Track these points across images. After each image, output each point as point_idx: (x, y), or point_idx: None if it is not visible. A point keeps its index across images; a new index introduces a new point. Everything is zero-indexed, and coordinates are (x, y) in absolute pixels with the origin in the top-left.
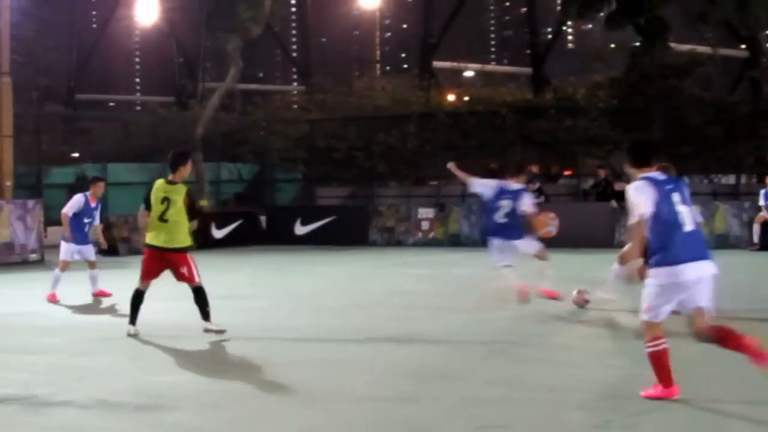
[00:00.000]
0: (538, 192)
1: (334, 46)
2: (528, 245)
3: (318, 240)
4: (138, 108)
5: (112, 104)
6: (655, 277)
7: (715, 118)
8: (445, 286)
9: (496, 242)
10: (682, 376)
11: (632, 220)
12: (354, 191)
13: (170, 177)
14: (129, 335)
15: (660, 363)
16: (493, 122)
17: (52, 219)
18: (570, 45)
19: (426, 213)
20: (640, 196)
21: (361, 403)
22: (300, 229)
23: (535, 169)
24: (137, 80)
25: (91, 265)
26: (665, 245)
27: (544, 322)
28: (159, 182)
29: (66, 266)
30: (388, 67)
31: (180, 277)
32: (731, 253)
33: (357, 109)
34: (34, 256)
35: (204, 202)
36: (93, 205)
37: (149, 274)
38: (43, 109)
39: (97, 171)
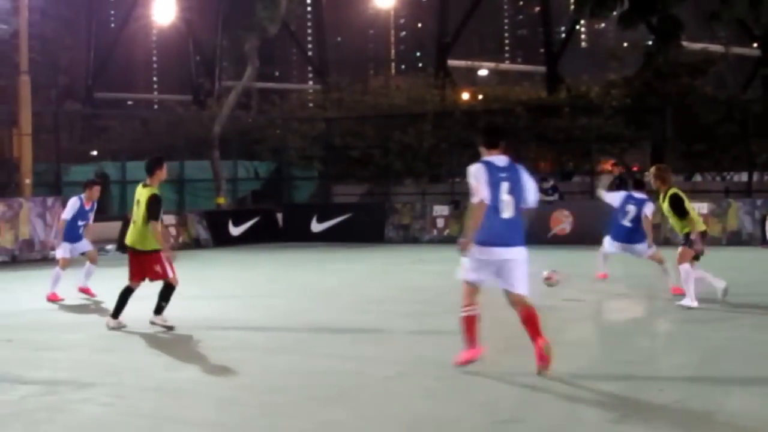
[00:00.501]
0: (553, 190)
1: (350, 45)
2: (645, 248)
3: (334, 237)
4: (156, 106)
5: (130, 103)
6: (473, 251)
7: (727, 116)
8: (459, 283)
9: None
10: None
11: (473, 200)
12: (370, 189)
13: (147, 180)
14: (110, 328)
15: (468, 326)
16: (507, 120)
17: None
18: (584, 44)
19: (441, 210)
20: (479, 180)
21: (379, 399)
22: (316, 227)
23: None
24: (155, 79)
25: (91, 258)
26: (483, 226)
27: (560, 318)
28: (138, 186)
29: (66, 264)
30: (403, 66)
31: (153, 275)
32: (744, 250)
33: (373, 107)
34: (53, 253)
35: (221, 200)
36: (87, 207)
37: (136, 275)
38: (63, 108)
39: (115, 169)
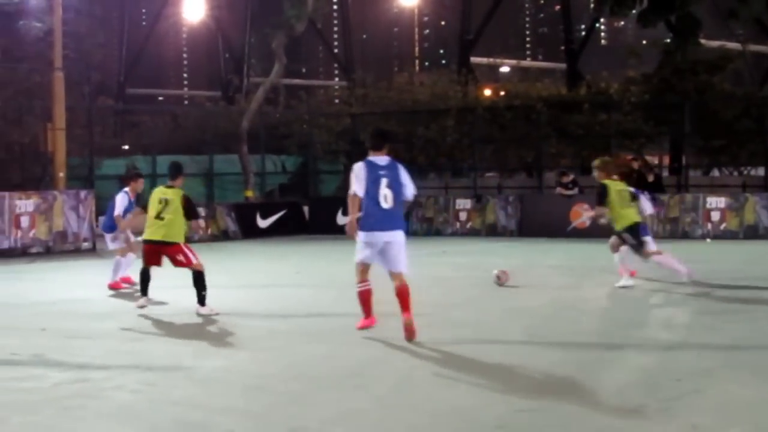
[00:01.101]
0: (573, 184)
1: (375, 42)
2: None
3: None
4: (186, 102)
5: (161, 98)
6: (360, 235)
7: (745, 112)
8: (482, 275)
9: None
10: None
11: (350, 192)
12: None
13: (170, 182)
14: (138, 306)
15: (364, 299)
16: (528, 116)
17: (103, 209)
18: (603, 41)
19: (464, 204)
20: (357, 177)
21: (403, 387)
22: (342, 219)
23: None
24: (185, 75)
25: (133, 249)
26: (367, 215)
27: (578, 309)
28: (160, 187)
29: (125, 252)
30: (427, 63)
31: (178, 264)
32: (761, 243)
33: (397, 103)
34: (86, 245)
35: (249, 193)
36: (133, 200)
37: (152, 261)
38: (95, 103)
39: (146, 163)
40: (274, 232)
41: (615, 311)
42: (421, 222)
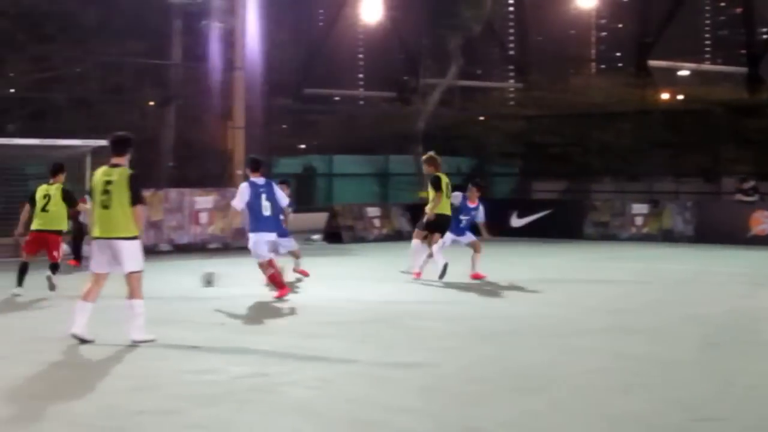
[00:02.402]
0: (753, 190)
1: (551, 44)
2: None
3: (533, 233)
4: (361, 102)
5: (337, 98)
6: (251, 237)
7: None
8: (659, 281)
9: None
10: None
11: (232, 204)
12: (569, 186)
13: (51, 180)
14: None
15: (274, 280)
16: (707, 121)
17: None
18: None
19: (640, 208)
20: (240, 194)
21: (578, 392)
22: (516, 222)
23: None
24: (361, 76)
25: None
26: (253, 221)
27: (757, 318)
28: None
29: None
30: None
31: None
32: None
33: (572, 106)
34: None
35: (423, 194)
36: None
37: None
38: (273, 103)
39: (322, 162)
40: None
41: None
42: (596, 226)
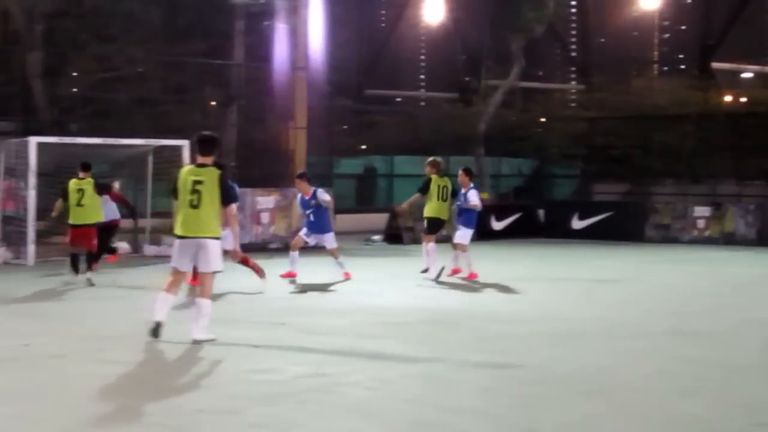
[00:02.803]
0: None
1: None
2: None
3: (594, 234)
4: (422, 103)
5: (398, 99)
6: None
7: None
8: (720, 284)
9: None
10: None
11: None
12: (630, 188)
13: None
14: None
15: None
16: None
17: (342, 207)
18: None
19: (702, 211)
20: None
21: (639, 395)
22: (577, 224)
23: None
24: (422, 77)
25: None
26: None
27: None
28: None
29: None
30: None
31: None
32: None
33: (634, 108)
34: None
35: (484, 196)
36: (307, 197)
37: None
38: (334, 103)
39: (383, 163)
40: (508, 234)
41: None
42: (657, 228)
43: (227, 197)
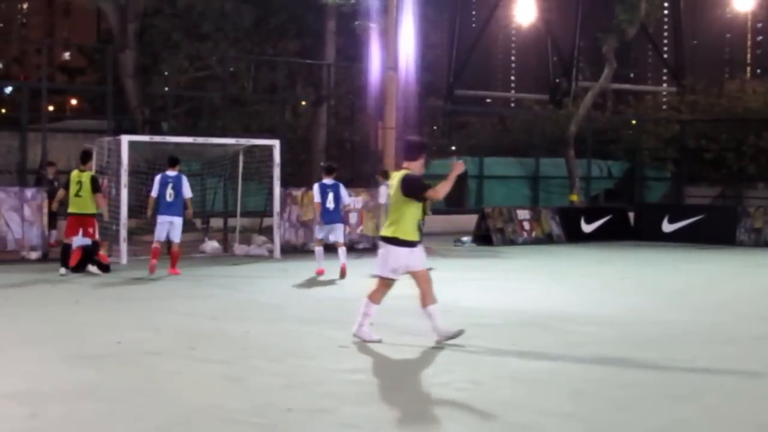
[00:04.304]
0: None
1: (706, 48)
2: None
3: (685, 238)
4: (513, 104)
5: (488, 100)
6: (158, 218)
7: None
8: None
9: None
10: None
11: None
12: (723, 191)
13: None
14: None
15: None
16: None
17: (432, 208)
18: None
19: None
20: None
21: (729, 400)
22: (668, 227)
23: None
24: (512, 78)
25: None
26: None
27: None
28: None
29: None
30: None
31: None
32: None
33: (728, 110)
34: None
35: (574, 198)
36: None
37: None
38: (425, 104)
39: (473, 164)
40: (598, 237)
41: None
42: (749, 232)
43: (414, 198)
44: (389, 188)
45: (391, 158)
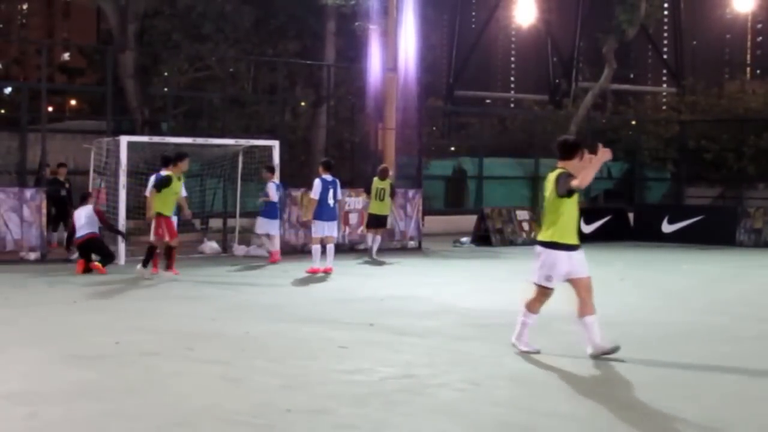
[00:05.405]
0: None
1: (706, 48)
2: None
3: (685, 238)
4: (512, 105)
5: (488, 101)
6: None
7: None
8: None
9: None
10: None
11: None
12: (723, 192)
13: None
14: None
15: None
16: None
17: (431, 209)
18: None
19: None
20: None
21: (731, 400)
22: (667, 227)
23: None
24: (512, 79)
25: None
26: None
27: None
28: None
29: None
30: (759, 71)
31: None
32: None
33: (728, 111)
34: (412, 243)
35: None
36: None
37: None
38: (425, 104)
39: (473, 164)
40: (598, 237)
41: None
42: (749, 233)
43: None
44: (544, 190)
45: (391, 158)
